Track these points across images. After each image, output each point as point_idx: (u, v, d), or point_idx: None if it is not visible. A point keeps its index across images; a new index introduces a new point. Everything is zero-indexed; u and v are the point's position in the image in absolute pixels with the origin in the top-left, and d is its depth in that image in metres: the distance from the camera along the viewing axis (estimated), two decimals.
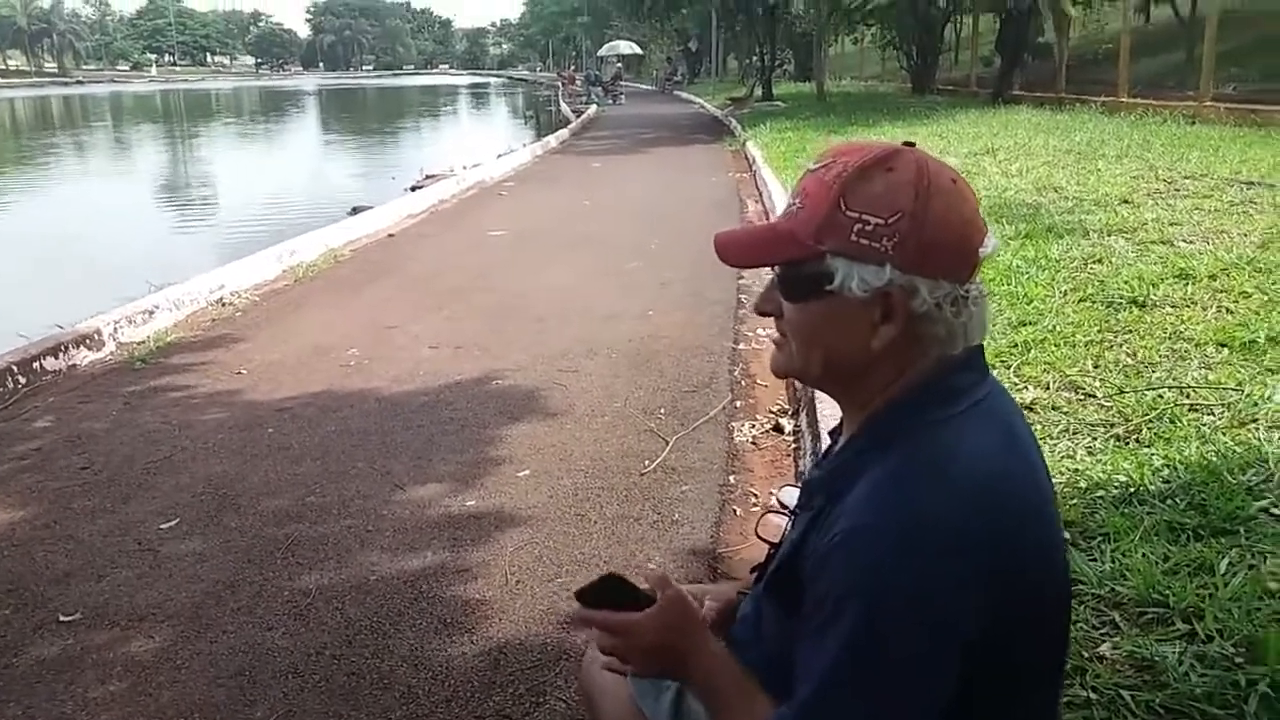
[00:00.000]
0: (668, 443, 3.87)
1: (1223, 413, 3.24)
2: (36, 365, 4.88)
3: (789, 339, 1.17)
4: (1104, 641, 2.11)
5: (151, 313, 5.84)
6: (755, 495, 3.43)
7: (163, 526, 3.28)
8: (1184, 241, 5.61)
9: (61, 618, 2.74)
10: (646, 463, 3.71)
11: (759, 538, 1.39)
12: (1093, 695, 1.94)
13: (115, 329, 5.50)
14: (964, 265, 1.06)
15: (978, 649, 1.01)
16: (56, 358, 5.03)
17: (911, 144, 1.10)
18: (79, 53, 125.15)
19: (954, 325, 1.07)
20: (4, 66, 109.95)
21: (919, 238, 1.04)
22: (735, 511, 3.30)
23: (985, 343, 1.12)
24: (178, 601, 2.81)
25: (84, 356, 5.21)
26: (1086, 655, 2.06)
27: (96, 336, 5.35)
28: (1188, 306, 4.38)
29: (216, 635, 2.64)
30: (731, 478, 3.57)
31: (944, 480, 1.03)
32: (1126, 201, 6.97)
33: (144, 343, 5.51)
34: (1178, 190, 7.30)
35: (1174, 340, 3.98)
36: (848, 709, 1.01)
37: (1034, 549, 1.08)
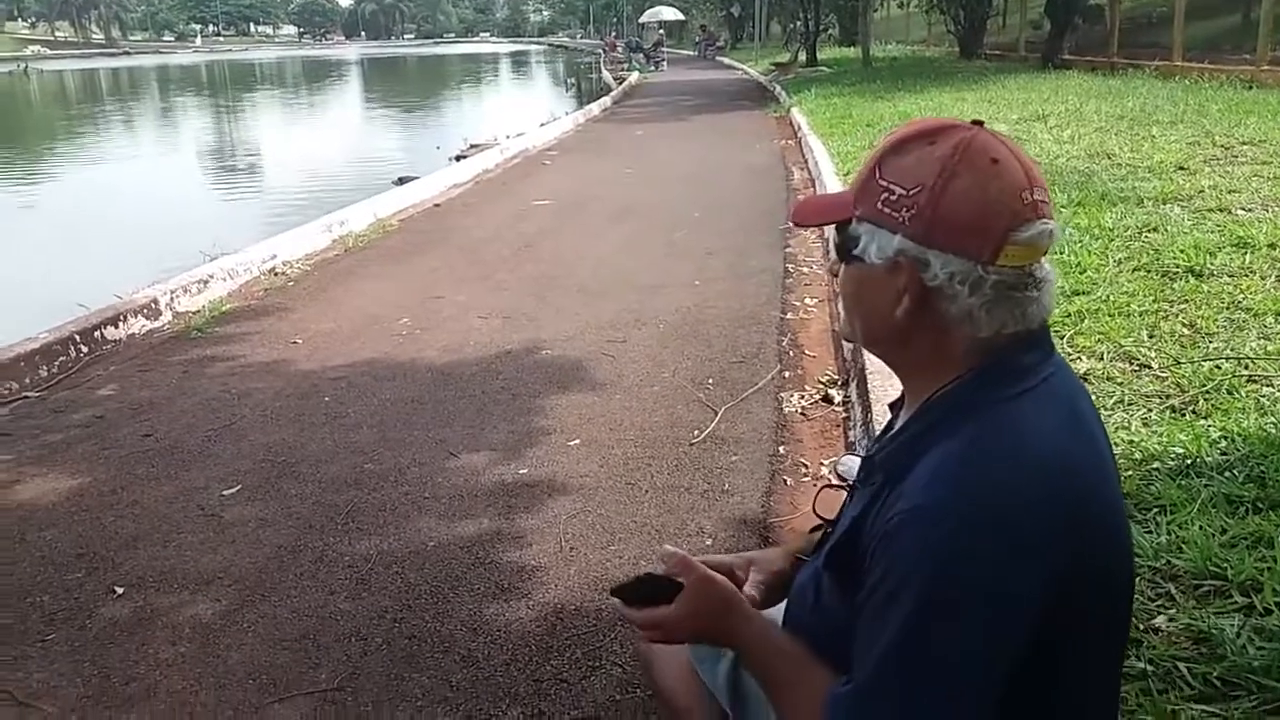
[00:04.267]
0: (717, 413, 3.89)
1: None
2: (97, 334, 5.00)
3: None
4: (1160, 614, 2.11)
5: (206, 282, 5.95)
6: (805, 466, 3.44)
7: (225, 493, 3.37)
8: (1242, 209, 5.50)
9: (129, 583, 2.83)
10: (696, 432, 3.73)
11: (815, 514, 1.40)
12: (1149, 667, 1.94)
13: (172, 299, 5.61)
14: (981, 245, 1.04)
15: (1041, 627, 1.00)
16: (116, 327, 5.14)
17: (980, 123, 1.10)
18: (125, 23, 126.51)
19: (968, 305, 1.06)
20: (52, 37, 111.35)
21: (934, 211, 1.05)
22: (786, 481, 3.32)
23: None
24: (242, 566, 2.89)
25: (142, 326, 5.32)
26: (1142, 627, 2.06)
27: (154, 306, 5.46)
28: (1246, 276, 4.31)
29: (280, 599, 2.72)
30: (781, 448, 3.59)
31: (1006, 461, 1.02)
32: (1182, 168, 6.83)
33: (199, 312, 5.62)
34: (1235, 157, 7.14)
35: (1231, 310, 3.92)
36: (908, 690, 1.00)
37: (1098, 528, 1.07)
